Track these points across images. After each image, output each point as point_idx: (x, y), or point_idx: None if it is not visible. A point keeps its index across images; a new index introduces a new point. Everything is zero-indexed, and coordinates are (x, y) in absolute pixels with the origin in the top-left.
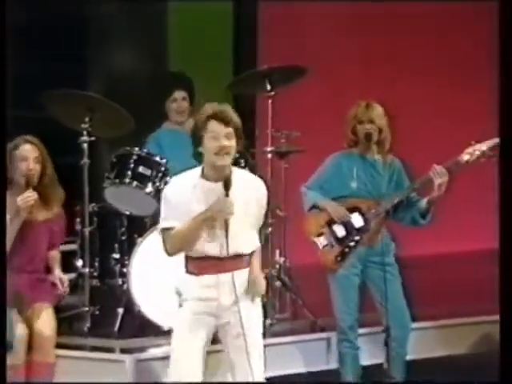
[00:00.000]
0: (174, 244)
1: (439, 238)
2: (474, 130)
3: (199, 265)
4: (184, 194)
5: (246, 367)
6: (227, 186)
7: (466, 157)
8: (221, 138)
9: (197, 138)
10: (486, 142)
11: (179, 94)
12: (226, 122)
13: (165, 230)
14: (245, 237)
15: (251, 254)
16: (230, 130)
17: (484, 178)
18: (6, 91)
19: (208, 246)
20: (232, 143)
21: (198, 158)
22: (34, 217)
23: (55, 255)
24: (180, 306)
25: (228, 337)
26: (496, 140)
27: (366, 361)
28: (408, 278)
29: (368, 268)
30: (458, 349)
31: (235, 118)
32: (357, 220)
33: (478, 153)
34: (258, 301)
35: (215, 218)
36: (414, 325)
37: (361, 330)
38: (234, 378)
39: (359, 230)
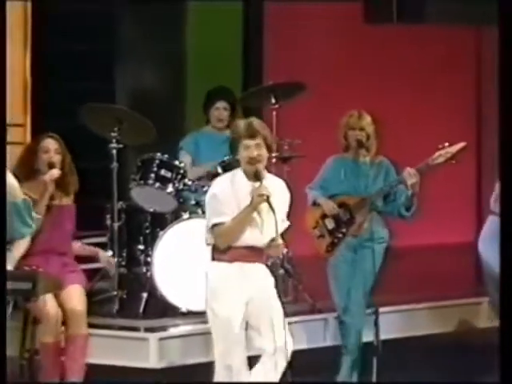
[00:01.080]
0: (227, 236)
1: (425, 231)
2: (443, 135)
3: (236, 253)
4: (228, 192)
5: (269, 327)
6: (259, 177)
7: (435, 159)
8: (251, 149)
9: (234, 148)
10: (453, 146)
11: (221, 104)
12: (253, 135)
13: (216, 225)
14: (271, 232)
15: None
16: (259, 141)
17: (462, 178)
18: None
19: (247, 238)
20: (261, 152)
21: (236, 163)
22: (58, 202)
23: (83, 246)
24: (213, 286)
25: (255, 306)
26: (461, 144)
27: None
28: (399, 266)
29: (358, 255)
30: (444, 327)
31: (262, 130)
32: (344, 214)
33: (447, 156)
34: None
35: (258, 209)
36: (404, 307)
37: None
38: (255, 340)
39: (345, 223)
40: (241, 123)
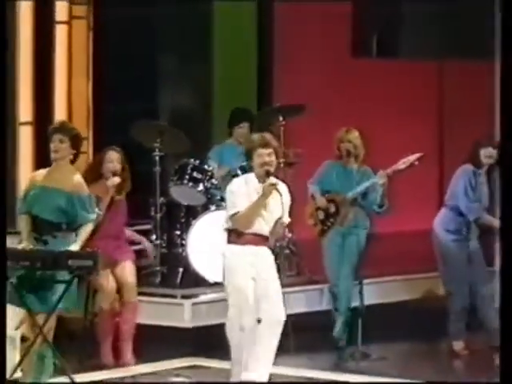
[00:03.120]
0: (244, 220)
1: (398, 220)
2: (413, 144)
3: (246, 238)
4: (242, 190)
5: (275, 291)
6: (269, 175)
7: (398, 166)
8: (264, 156)
9: (249, 156)
10: (414, 155)
11: (245, 124)
12: (266, 145)
13: (235, 214)
14: (276, 220)
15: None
16: (270, 150)
17: (427, 180)
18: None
19: (257, 226)
20: (272, 158)
21: (250, 169)
22: (116, 197)
23: (133, 233)
24: (228, 263)
25: (262, 280)
26: (418, 155)
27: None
28: (379, 247)
29: (345, 238)
30: (412, 295)
31: (274, 142)
32: (332, 208)
33: (407, 163)
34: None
35: (267, 200)
36: (383, 279)
37: None
38: (260, 307)
39: (332, 215)
40: (255, 136)
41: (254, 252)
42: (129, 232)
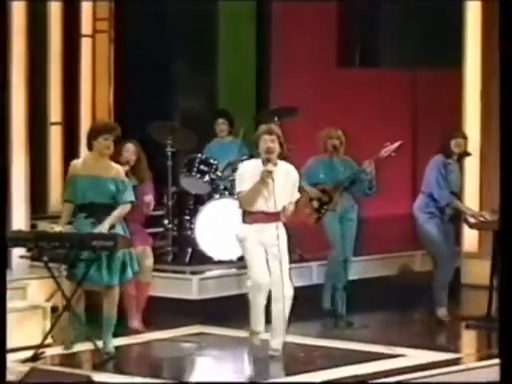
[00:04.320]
0: (245, 200)
1: (379, 206)
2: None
3: (254, 216)
4: (250, 171)
5: (278, 271)
6: (270, 161)
7: (381, 154)
8: (267, 142)
9: (256, 143)
10: (394, 144)
11: (220, 121)
12: (270, 133)
13: (240, 192)
14: (284, 201)
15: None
16: (274, 137)
17: (403, 170)
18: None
19: (261, 205)
20: (275, 145)
21: (257, 155)
22: (137, 186)
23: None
24: (241, 241)
25: (272, 256)
26: (398, 143)
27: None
28: (362, 230)
29: (341, 220)
30: (391, 271)
31: (277, 130)
32: (324, 197)
33: (388, 151)
34: (286, 240)
35: (265, 182)
36: (365, 257)
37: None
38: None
39: (326, 203)
40: (263, 126)
41: (260, 229)
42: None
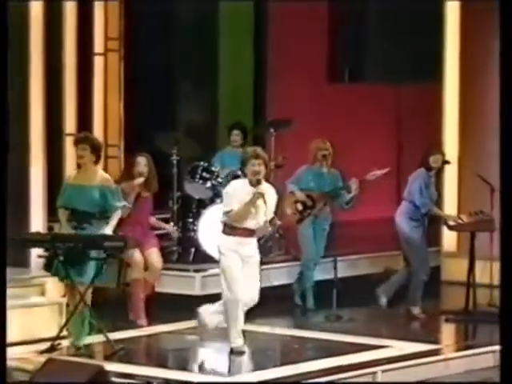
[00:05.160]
0: (234, 219)
1: (366, 210)
2: (374, 156)
3: (236, 231)
4: (237, 192)
5: (254, 277)
6: (259, 183)
7: (368, 177)
8: (255, 166)
9: (244, 164)
10: (379, 170)
11: (235, 132)
12: (257, 157)
13: (229, 211)
14: (263, 219)
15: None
16: (260, 161)
17: (388, 180)
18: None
19: (246, 222)
20: (261, 168)
21: (245, 174)
22: (143, 194)
23: (158, 221)
24: (221, 253)
25: (247, 265)
26: (385, 170)
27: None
28: (351, 232)
29: (315, 228)
30: (375, 269)
31: (263, 154)
32: (309, 202)
33: (374, 176)
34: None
35: (255, 204)
36: (352, 257)
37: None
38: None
39: (309, 207)
40: (250, 149)
41: (240, 242)
42: (153, 220)
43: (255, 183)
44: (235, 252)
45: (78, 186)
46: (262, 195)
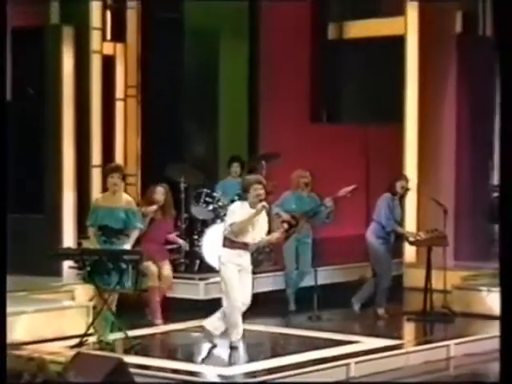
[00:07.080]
0: (236, 230)
1: (340, 228)
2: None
3: (235, 244)
4: (239, 209)
5: (247, 284)
6: (260, 202)
7: (339, 194)
8: (258, 189)
9: (246, 189)
10: (349, 187)
11: (235, 164)
12: (260, 182)
13: (233, 223)
14: (259, 235)
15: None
16: (262, 186)
17: (358, 200)
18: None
19: (245, 237)
20: (263, 191)
21: (245, 199)
22: (160, 217)
23: (174, 237)
24: (222, 263)
25: (242, 273)
26: (352, 186)
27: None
28: (330, 247)
29: (298, 244)
30: (350, 277)
31: (264, 181)
32: (293, 221)
33: (345, 192)
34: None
35: (253, 222)
36: (331, 267)
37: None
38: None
39: (294, 226)
40: (252, 176)
41: (239, 254)
42: (173, 236)
43: (257, 204)
44: (234, 263)
45: (107, 208)
46: (265, 208)
